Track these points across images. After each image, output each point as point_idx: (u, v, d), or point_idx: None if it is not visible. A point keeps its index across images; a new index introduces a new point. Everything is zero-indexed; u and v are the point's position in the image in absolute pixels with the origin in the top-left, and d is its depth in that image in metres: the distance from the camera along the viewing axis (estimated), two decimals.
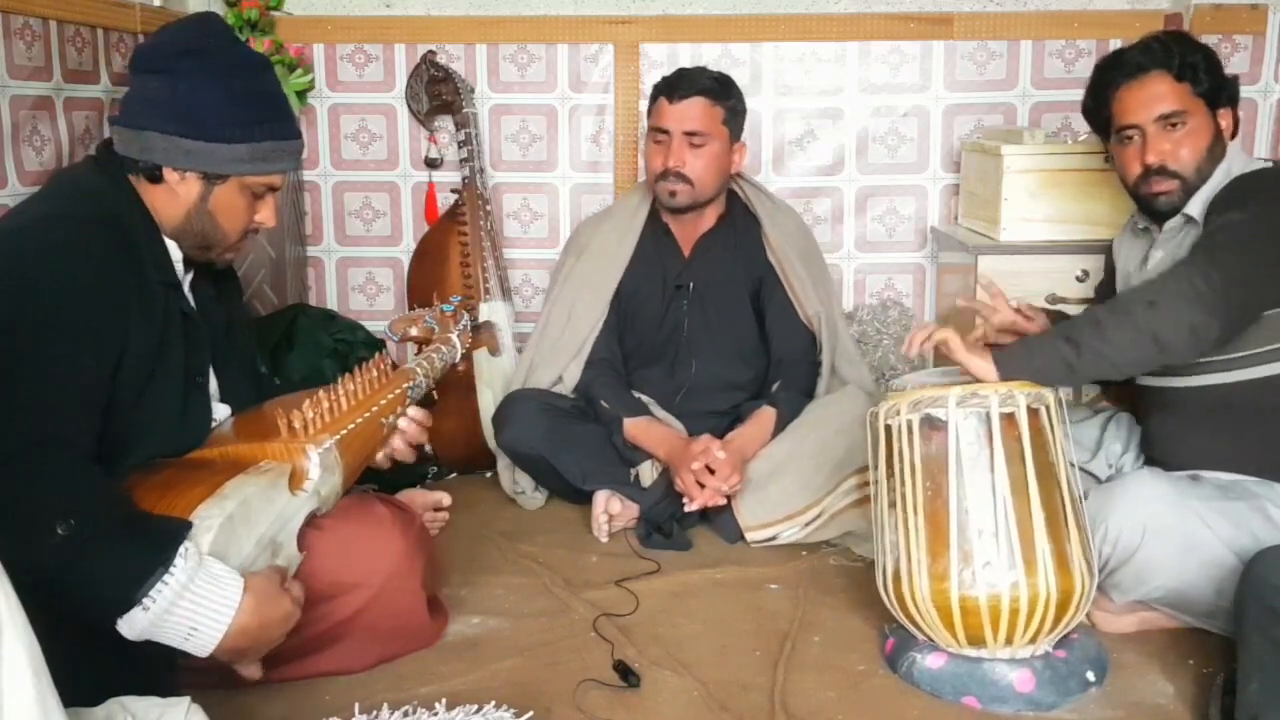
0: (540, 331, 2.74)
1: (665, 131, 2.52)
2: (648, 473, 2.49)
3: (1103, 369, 1.78)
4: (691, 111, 2.51)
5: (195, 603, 1.37)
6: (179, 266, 1.73)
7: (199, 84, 1.64)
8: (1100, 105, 2.05)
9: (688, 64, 3.02)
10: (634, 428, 2.51)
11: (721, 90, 2.54)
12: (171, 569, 1.35)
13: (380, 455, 1.89)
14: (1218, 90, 1.97)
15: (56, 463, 1.39)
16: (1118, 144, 2.03)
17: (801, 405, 2.55)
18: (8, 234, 1.58)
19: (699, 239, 2.67)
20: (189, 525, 1.41)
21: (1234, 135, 2.01)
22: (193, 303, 1.77)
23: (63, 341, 1.47)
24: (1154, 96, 1.95)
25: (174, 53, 1.65)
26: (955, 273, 2.88)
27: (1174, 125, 1.95)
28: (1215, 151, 1.96)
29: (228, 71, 1.67)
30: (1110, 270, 2.24)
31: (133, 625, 1.34)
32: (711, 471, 2.35)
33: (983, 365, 1.78)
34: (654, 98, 2.57)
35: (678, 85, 2.51)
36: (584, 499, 2.51)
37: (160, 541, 1.37)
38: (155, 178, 1.67)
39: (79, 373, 1.48)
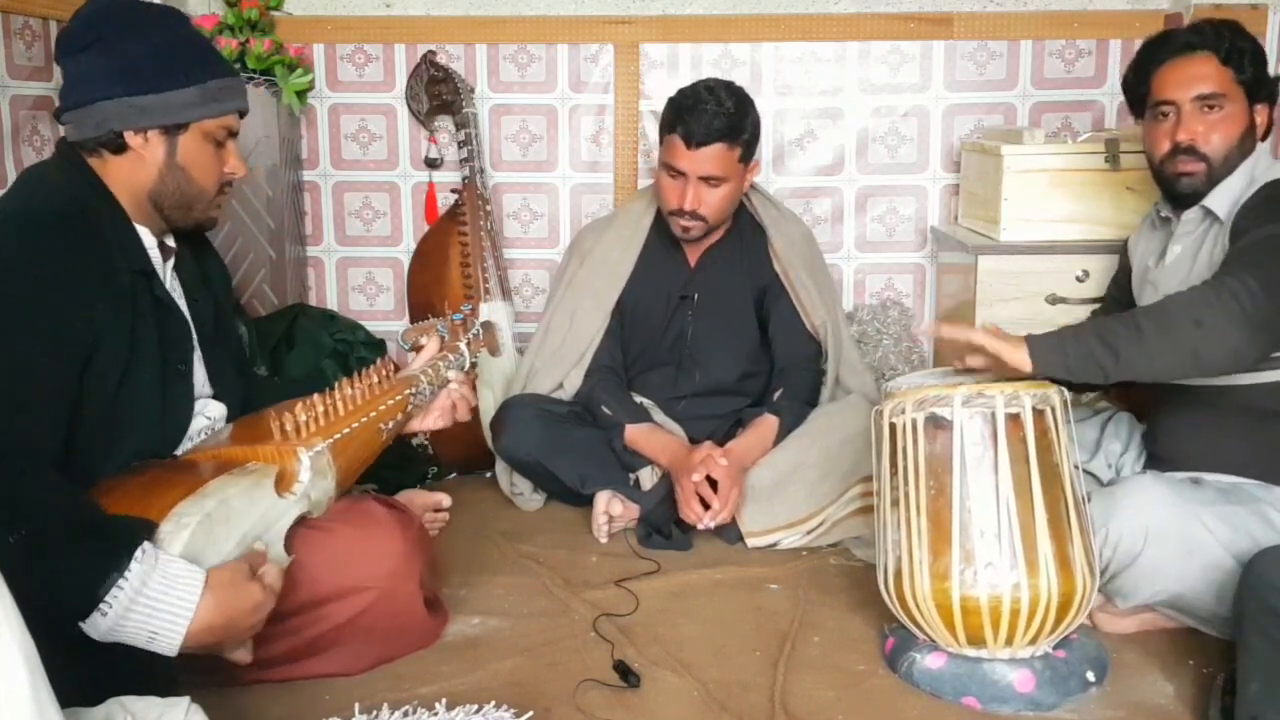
0: (541, 337, 2.73)
1: (680, 172, 2.46)
2: (648, 477, 2.48)
3: (1135, 375, 1.77)
4: (709, 157, 2.41)
5: (150, 606, 1.33)
6: (154, 254, 1.72)
7: (130, 43, 1.64)
8: (1140, 80, 2.03)
9: (687, 64, 3.03)
10: (635, 434, 2.50)
11: (738, 128, 2.41)
12: (126, 574, 1.32)
13: (437, 419, 2.00)
14: (1259, 83, 1.95)
15: (12, 472, 1.37)
16: (1150, 120, 2.02)
17: (803, 414, 2.54)
18: None
19: (706, 250, 2.65)
20: (149, 525, 1.39)
21: (1266, 135, 2.00)
22: (178, 288, 1.76)
23: (22, 344, 1.46)
24: (1197, 75, 1.94)
25: (95, 24, 1.66)
26: (955, 273, 2.87)
27: (1211, 107, 1.94)
28: (1245, 145, 1.95)
29: (152, 26, 1.68)
30: (1125, 267, 2.23)
31: (95, 629, 1.33)
32: (712, 483, 2.35)
33: (1017, 354, 1.76)
34: (668, 127, 2.46)
35: (693, 130, 2.39)
36: (584, 502, 2.51)
37: (115, 546, 1.34)
38: (119, 147, 1.66)
39: (45, 377, 1.48)
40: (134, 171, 1.68)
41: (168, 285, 1.76)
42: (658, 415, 2.59)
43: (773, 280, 2.65)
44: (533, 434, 2.50)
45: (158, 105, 1.65)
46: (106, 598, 1.31)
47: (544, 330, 2.73)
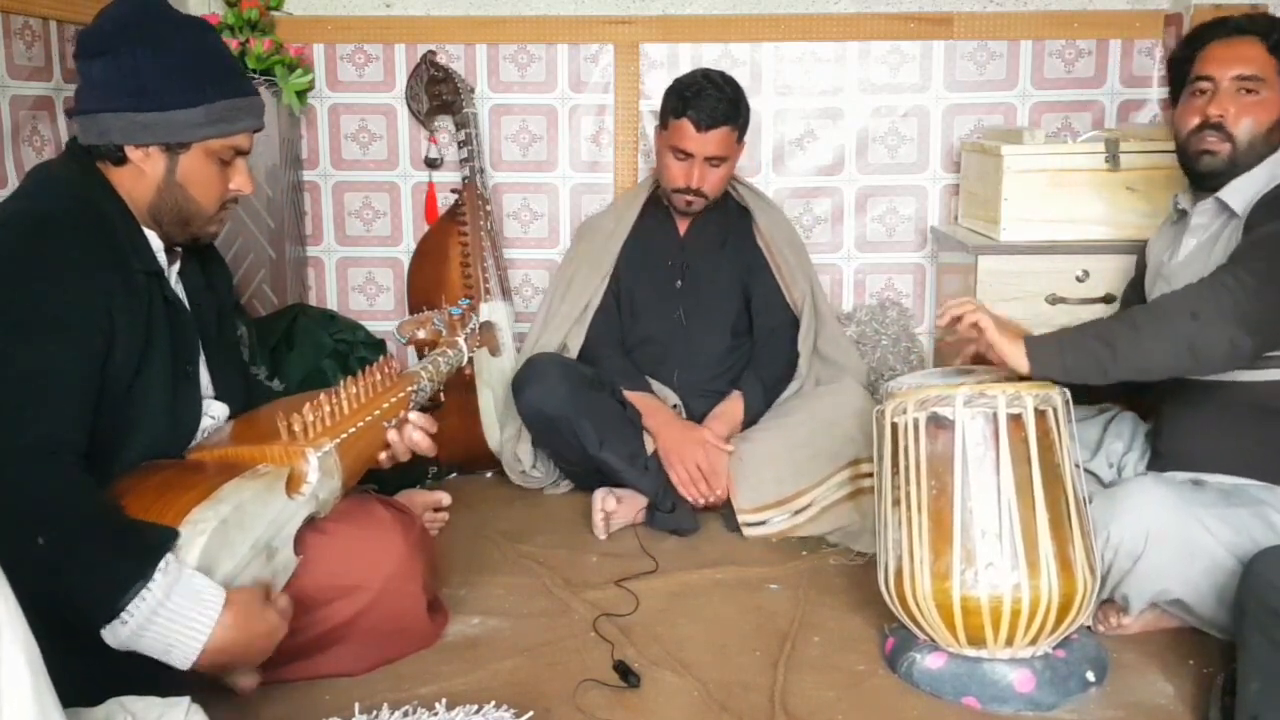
0: (544, 309, 2.85)
1: (688, 154, 2.59)
2: (650, 442, 2.55)
3: (1135, 373, 1.77)
4: (715, 139, 2.58)
5: (171, 618, 1.34)
6: (161, 256, 1.71)
7: (141, 56, 1.61)
8: (1187, 56, 2.03)
9: (687, 64, 3.03)
10: (632, 399, 2.60)
11: (738, 111, 2.60)
12: (150, 584, 1.33)
13: (383, 456, 1.86)
14: None
15: (41, 471, 1.38)
16: (1186, 96, 2.02)
17: (767, 396, 2.65)
18: None
19: (694, 222, 2.77)
20: (174, 534, 1.39)
21: None
22: (181, 293, 1.75)
23: (49, 339, 1.46)
24: (1240, 56, 1.94)
25: (111, 31, 1.63)
26: (955, 273, 2.88)
27: (1248, 90, 1.93)
28: (1272, 137, 1.93)
29: (168, 39, 1.64)
30: (1141, 268, 2.23)
31: (115, 636, 1.33)
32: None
33: (1015, 353, 1.76)
34: (675, 113, 2.58)
35: (701, 115, 2.55)
36: (583, 484, 2.57)
37: (140, 554, 1.35)
38: (120, 159, 1.65)
39: (67, 370, 1.47)
40: (134, 183, 1.67)
41: (174, 288, 1.76)
42: (657, 388, 2.68)
43: (756, 256, 2.77)
44: (560, 389, 2.51)
45: (160, 122, 1.63)
46: (129, 607, 1.32)
47: (546, 303, 2.87)
